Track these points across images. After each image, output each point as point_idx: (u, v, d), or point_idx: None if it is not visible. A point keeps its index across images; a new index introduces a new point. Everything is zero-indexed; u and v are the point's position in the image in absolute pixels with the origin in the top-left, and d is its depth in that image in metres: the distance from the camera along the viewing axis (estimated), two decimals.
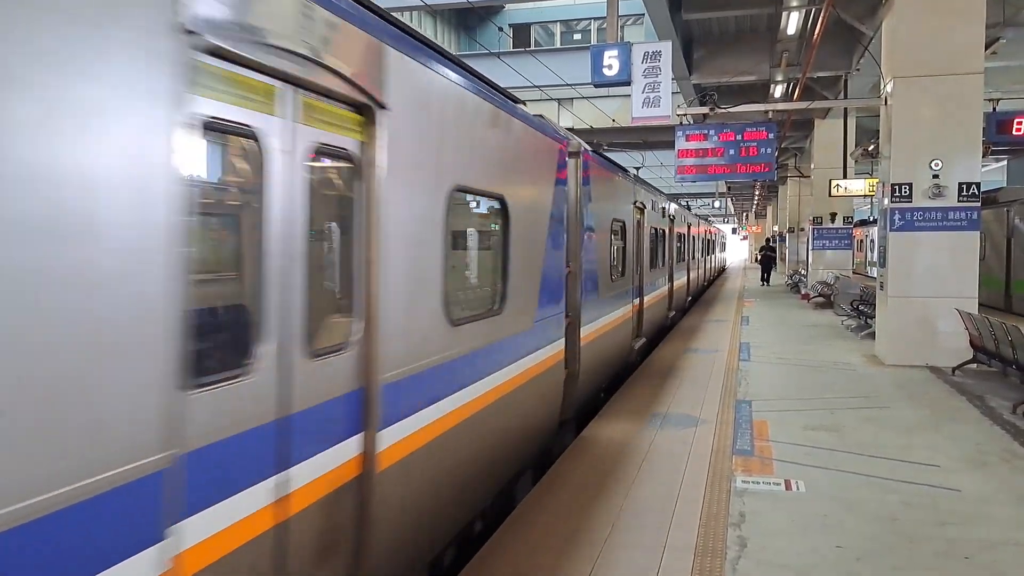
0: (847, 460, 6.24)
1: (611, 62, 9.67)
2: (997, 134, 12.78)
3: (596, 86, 10.16)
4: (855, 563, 4.24)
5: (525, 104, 6.12)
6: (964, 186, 10.54)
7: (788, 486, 5.61)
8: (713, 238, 36.35)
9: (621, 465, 6.14)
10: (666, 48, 9.85)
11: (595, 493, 5.45)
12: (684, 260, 19.60)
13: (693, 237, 22.58)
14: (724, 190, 44.44)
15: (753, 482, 5.70)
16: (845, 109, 20.67)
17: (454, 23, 34.09)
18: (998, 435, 7.02)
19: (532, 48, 32.11)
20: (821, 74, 17.84)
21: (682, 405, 8.38)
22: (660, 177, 31.29)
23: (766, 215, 55.23)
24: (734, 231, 74.74)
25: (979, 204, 10.71)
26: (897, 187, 10.75)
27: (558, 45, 34.59)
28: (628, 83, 9.63)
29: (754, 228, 65.10)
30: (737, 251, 76.41)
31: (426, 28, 30.50)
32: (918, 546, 4.48)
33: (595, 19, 35.07)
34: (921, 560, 4.28)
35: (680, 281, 18.47)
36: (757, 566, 4.22)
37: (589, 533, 4.72)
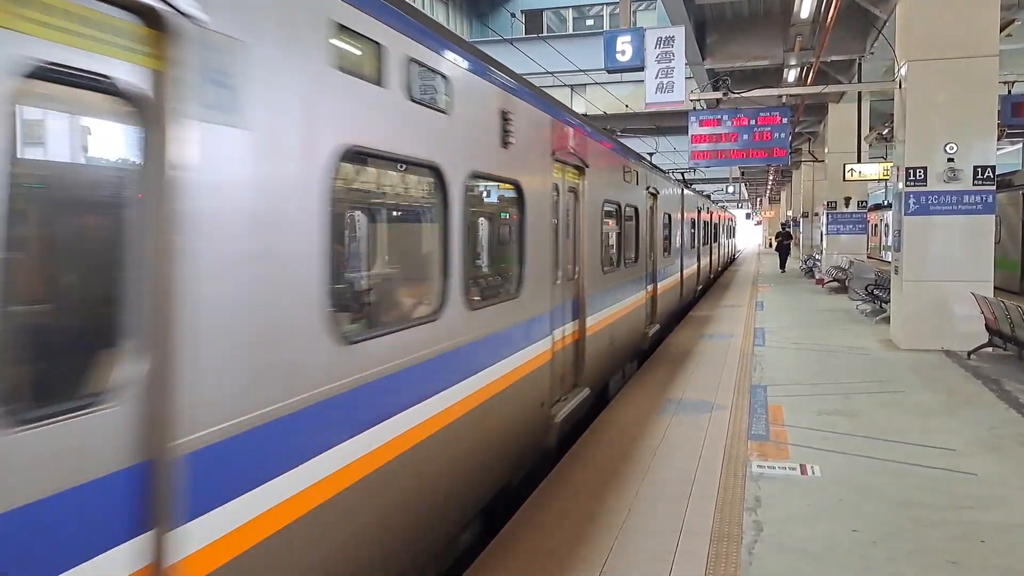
0: (863, 444, 6.27)
1: (624, 47, 9.68)
2: (1012, 116, 12.70)
3: (609, 71, 10.18)
4: (871, 547, 4.29)
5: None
6: (979, 169, 10.48)
7: (804, 471, 5.65)
8: (727, 223, 36.20)
9: (637, 450, 6.21)
10: (679, 33, 9.84)
11: (610, 477, 5.52)
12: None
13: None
14: (738, 175, 44.25)
15: (769, 467, 5.75)
16: (859, 93, 20.50)
17: (465, 10, 33.99)
18: (1014, 419, 7.03)
19: (544, 34, 31.98)
20: (835, 58, 17.70)
21: (697, 390, 8.42)
22: (674, 163, 31.13)
23: (780, 200, 54.92)
24: (748, 216, 74.30)
25: (994, 187, 10.64)
26: (912, 171, 10.70)
27: (570, 31, 34.41)
28: (641, 68, 9.65)
29: (768, 213, 64.75)
30: (751, 236, 76.04)
31: (438, 15, 30.44)
32: (933, 530, 4.52)
33: (607, 4, 34.87)
34: (936, 544, 4.33)
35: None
36: (773, 550, 4.27)
37: (606, 517, 4.79)
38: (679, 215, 15.04)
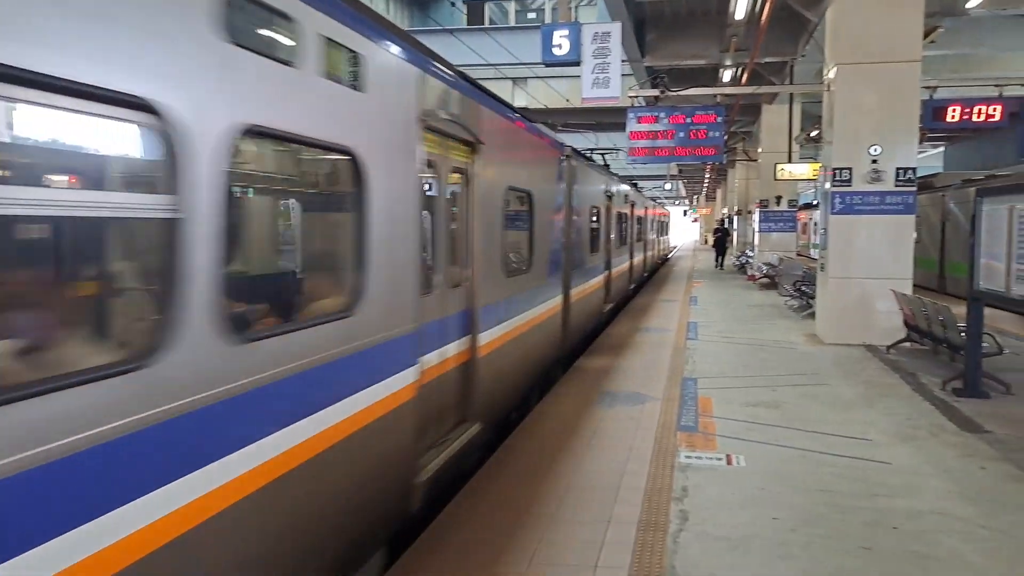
0: (786, 435, 6.48)
1: (561, 41, 9.76)
2: (933, 121, 13.21)
3: (546, 65, 10.26)
4: (790, 533, 4.45)
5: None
6: (901, 171, 10.90)
7: (729, 461, 5.82)
8: (661, 220, 36.76)
9: (571, 441, 6.29)
10: (616, 29, 9.98)
11: (546, 468, 5.59)
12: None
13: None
14: (675, 172, 44.96)
15: (696, 457, 5.90)
16: (791, 95, 21.13)
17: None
18: (928, 410, 7.36)
19: (486, 26, 31.93)
20: (769, 59, 18.14)
21: (632, 383, 8.57)
22: (613, 159, 31.51)
23: (716, 198, 56.06)
24: (685, 213, 75.72)
25: (915, 189, 11.09)
26: (838, 171, 11.06)
27: (512, 24, 34.44)
28: (578, 63, 9.75)
29: (705, 210, 66.06)
30: (689, 232, 77.58)
31: (377, 3, 30.06)
32: (849, 517, 4.71)
33: None
34: (851, 530, 4.51)
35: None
36: (697, 538, 4.39)
37: (537, 508, 4.85)
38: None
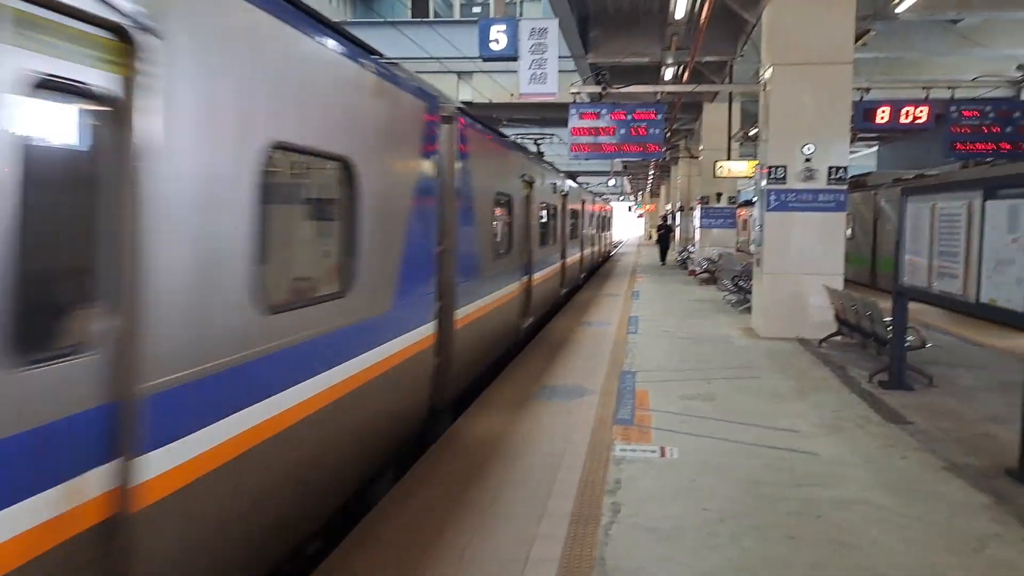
0: (719, 427, 6.61)
1: (498, 36, 9.77)
2: (864, 121, 13.61)
3: (484, 60, 10.28)
4: (718, 524, 4.54)
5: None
6: (833, 170, 11.21)
7: (663, 453, 5.90)
8: (607, 215, 37.02)
9: (509, 435, 6.30)
10: (552, 25, 10.07)
11: (481, 464, 5.58)
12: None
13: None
14: (620, 168, 45.45)
15: (631, 450, 5.97)
16: (730, 94, 21.53)
17: None
18: (855, 402, 7.58)
19: (431, 19, 31.72)
20: (709, 58, 18.44)
21: (571, 377, 8.63)
22: (558, 154, 31.66)
23: (660, 194, 56.83)
24: (630, 209, 76.70)
25: (846, 187, 11.43)
26: (773, 169, 11.32)
27: (457, 17, 34.29)
28: (515, 58, 9.78)
29: (648, 206, 66.93)
30: (633, 228, 78.63)
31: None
32: (776, 507, 4.83)
33: None
34: (777, 520, 4.62)
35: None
36: (628, 530, 4.45)
37: (473, 503, 4.85)
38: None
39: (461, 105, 7.38)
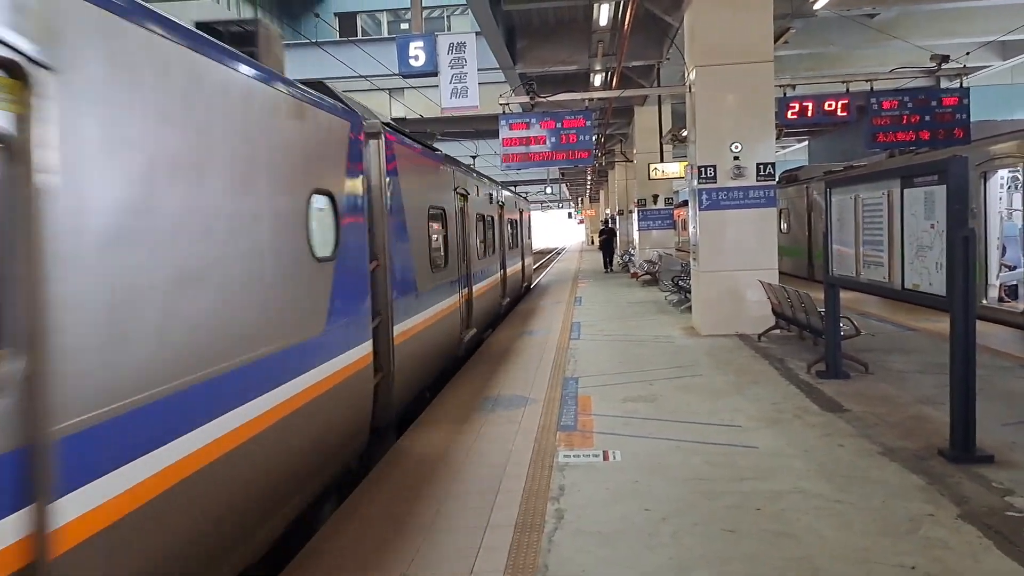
0: (660, 427, 6.64)
1: (417, 53, 9.81)
2: (788, 117, 13.92)
3: (404, 76, 10.30)
4: (660, 524, 4.54)
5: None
6: (761, 166, 11.45)
7: (606, 456, 5.90)
8: (548, 223, 37.20)
9: (452, 448, 6.23)
10: (470, 39, 10.17)
11: (425, 478, 5.50)
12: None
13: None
14: (557, 176, 45.80)
15: (574, 455, 5.95)
16: (659, 96, 21.89)
17: (276, 11, 32.81)
18: (793, 394, 7.71)
19: (359, 38, 31.50)
20: (636, 63, 18.72)
21: (514, 386, 8.59)
22: (494, 165, 31.77)
23: (600, 199, 57.45)
24: (570, 215, 77.33)
25: (775, 182, 11.67)
26: (703, 169, 11.51)
27: (385, 35, 34.13)
28: (435, 74, 9.83)
29: (589, 212, 67.59)
30: (573, 234, 79.33)
31: (245, 15, 29.16)
32: (716, 502, 4.85)
33: (425, 8, 34.87)
34: (717, 515, 4.64)
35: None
36: (571, 536, 4.42)
37: (415, 519, 4.77)
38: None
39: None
